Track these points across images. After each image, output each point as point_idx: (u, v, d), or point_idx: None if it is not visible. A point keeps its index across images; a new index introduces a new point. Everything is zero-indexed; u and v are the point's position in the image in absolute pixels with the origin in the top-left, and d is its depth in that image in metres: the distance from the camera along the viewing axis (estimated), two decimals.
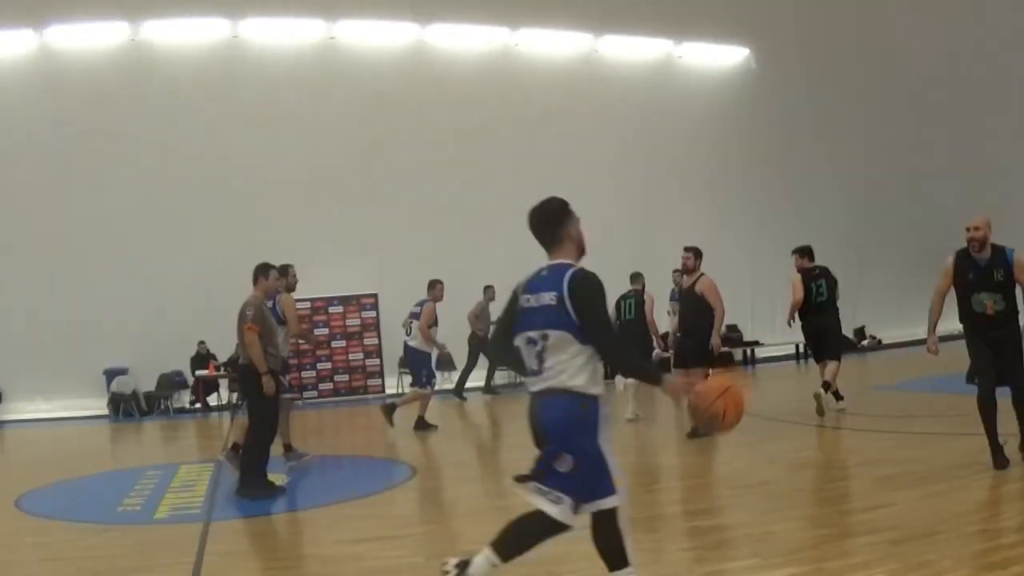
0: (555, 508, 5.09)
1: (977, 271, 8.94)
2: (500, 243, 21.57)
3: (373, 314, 23.17)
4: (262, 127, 22.40)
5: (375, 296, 23.09)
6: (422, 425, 15.10)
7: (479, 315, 20.86)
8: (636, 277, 15.77)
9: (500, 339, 5.59)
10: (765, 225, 26.16)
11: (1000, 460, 8.79)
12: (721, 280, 23.69)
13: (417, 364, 15.56)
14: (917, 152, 28.49)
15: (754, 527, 7.59)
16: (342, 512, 9.41)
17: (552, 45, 25.88)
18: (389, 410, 15.17)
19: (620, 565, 5.28)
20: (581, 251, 5.49)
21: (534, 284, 5.36)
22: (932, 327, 9.58)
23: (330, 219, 22.74)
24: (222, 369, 21.03)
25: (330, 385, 22.90)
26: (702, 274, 13.23)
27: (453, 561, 5.27)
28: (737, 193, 26.71)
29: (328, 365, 23.09)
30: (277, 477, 10.67)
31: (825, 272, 14.26)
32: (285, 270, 12.03)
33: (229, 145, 22.12)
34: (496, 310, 21.33)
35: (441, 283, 15.61)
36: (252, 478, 10.15)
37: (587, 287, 5.18)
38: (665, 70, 27.30)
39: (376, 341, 23.11)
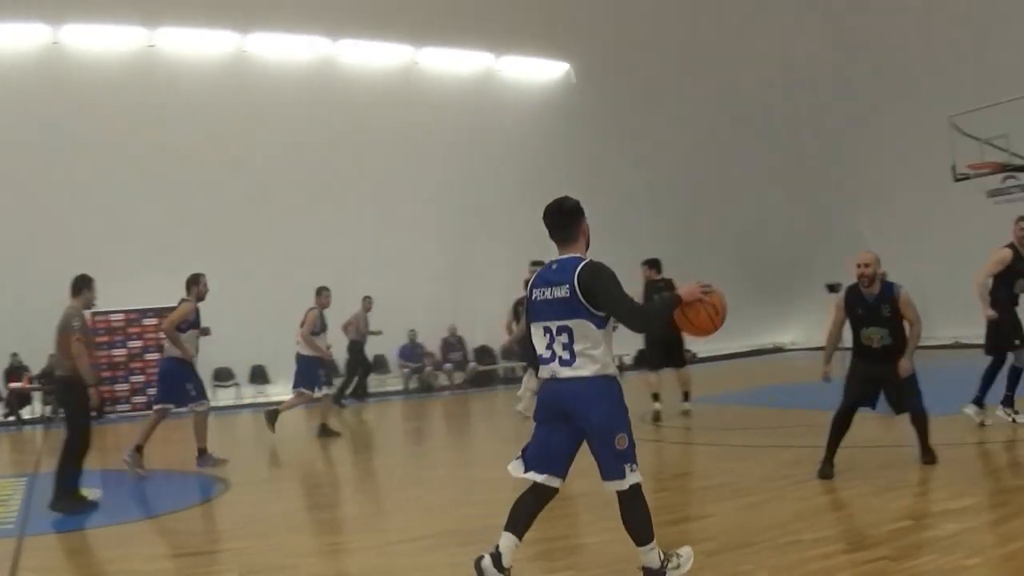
0: (637, 476, 5.84)
1: (865, 306, 9.36)
2: (327, 254, 22.18)
3: None
4: (79, 139, 21.83)
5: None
6: (325, 432, 15.33)
7: (356, 324, 21.32)
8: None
9: (522, 331, 6.13)
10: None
11: (826, 471, 9.14)
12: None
13: (305, 369, 15.60)
14: (738, 165, 29.28)
15: (570, 539, 7.56)
16: (157, 527, 9.11)
17: (372, 57, 25.81)
18: (272, 416, 15.28)
19: (647, 540, 5.94)
20: (587, 245, 6.02)
21: (546, 278, 5.87)
22: (827, 356, 9.90)
23: (139, 230, 22.38)
24: (36, 382, 20.40)
25: (143, 398, 22.13)
26: None
27: (484, 560, 5.80)
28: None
29: (141, 378, 22.56)
30: (89, 491, 10.17)
31: (669, 284, 14.59)
32: (196, 279, 12.71)
33: (39, 156, 21.55)
34: (372, 319, 21.84)
35: (328, 290, 15.90)
36: (64, 492, 9.75)
37: (597, 274, 5.68)
38: (486, 84, 27.31)
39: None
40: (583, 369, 5.70)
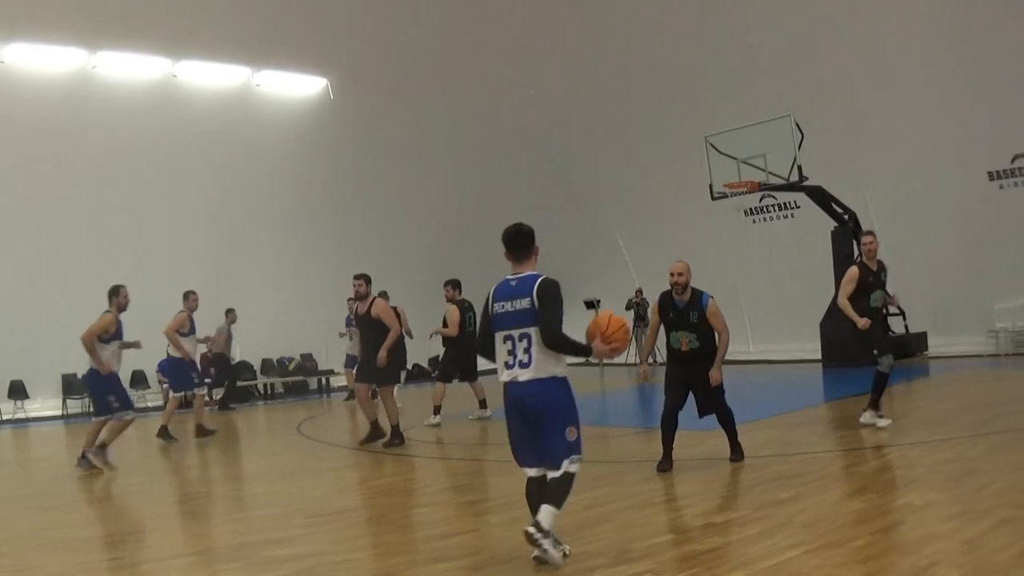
0: (575, 467, 6.68)
1: (676, 311, 10.03)
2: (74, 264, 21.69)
3: None
4: None
5: None
6: (164, 434, 15.53)
7: (223, 338, 21.82)
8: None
9: (483, 339, 6.93)
10: (345, 255, 26.24)
11: (664, 465, 9.88)
12: (298, 311, 23.68)
13: (176, 371, 16.35)
14: (502, 183, 29.48)
15: (333, 555, 7.28)
16: None
17: (132, 69, 24.65)
18: (163, 433, 15.50)
19: (556, 503, 6.57)
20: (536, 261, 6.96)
21: (505, 291, 6.77)
22: (644, 357, 10.90)
23: None
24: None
25: None
26: (375, 298, 13.81)
27: (533, 531, 6.39)
28: (318, 223, 26.83)
29: None
30: None
31: (472, 305, 15.64)
32: (117, 290, 13.02)
33: None
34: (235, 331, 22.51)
35: (195, 294, 16.49)
36: None
37: (549, 290, 6.65)
38: (243, 98, 26.68)
39: None
40: (540, 372, 6.59)
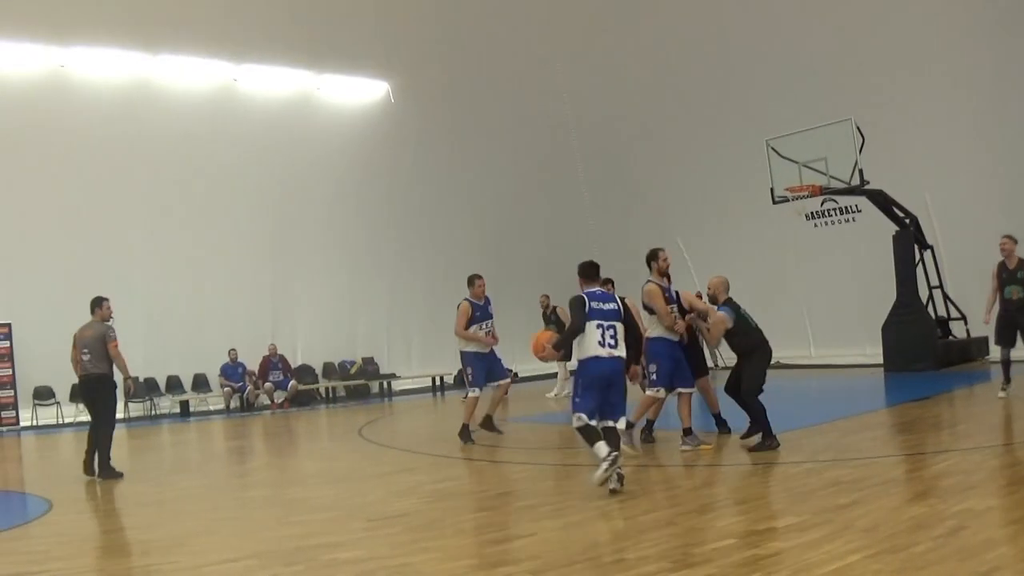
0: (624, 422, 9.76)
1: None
2: (136, 270, 21.67)
3: (7, 344, 22.11)
4: None
5: (8, 326, 22.05)
6: None
7: None
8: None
9: (578, 330, 9.44)
10: (406, 258, 26.41)
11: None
12: (359, 314, 23.84)
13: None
14: (558, 190, 29.53)
15: (392, 559, 7.31)
16: None
17: (192, 74, 25.03)
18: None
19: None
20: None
21: (600, 296, 9.67)
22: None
23: None
24: None
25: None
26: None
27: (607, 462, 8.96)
28: (379, 227, 26.96)
29: None
30: None
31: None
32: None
33: None
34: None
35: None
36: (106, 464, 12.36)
37: (627, 304, 10.09)
38: (305, 102, 26.93)
39: (9, 371, 22.10)
40: (618, 351, 9.44)
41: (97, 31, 22.75)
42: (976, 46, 21.71)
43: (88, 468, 12.71)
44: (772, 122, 22.86)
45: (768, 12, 24.69)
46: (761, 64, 25.20)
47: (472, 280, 14.62)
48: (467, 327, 14.17)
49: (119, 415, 22.36)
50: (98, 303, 13.47)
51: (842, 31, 23.47)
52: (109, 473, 12.64)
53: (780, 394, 16.31)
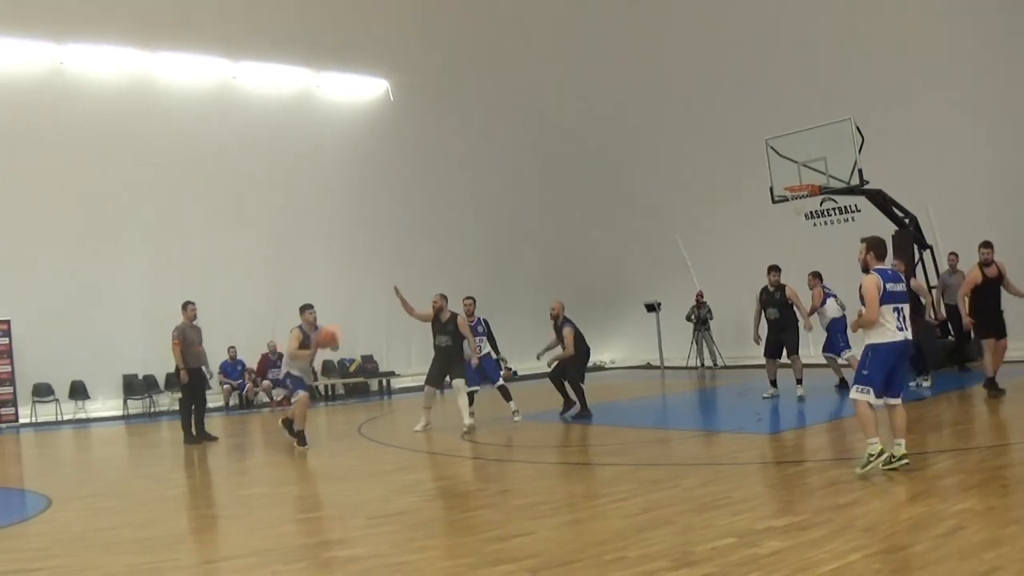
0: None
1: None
2: (134, 267, 22.07)
3: (6, 341, 22.11)
4: None
5: (7, 322, 22.03)
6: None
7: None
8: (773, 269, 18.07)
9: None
10: (405, 256, 26.38)
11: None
12: (358, 312, 23.75)
13: None
14: (557, 189, 29.51)
15: (392, 557, 7.29)
16: None
17: (191, 71, 25.07)
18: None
19: None
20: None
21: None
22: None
23: None
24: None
25: None
26: None
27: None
28: (378, 225, 26.97)
29: None
30: None
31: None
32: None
33: None
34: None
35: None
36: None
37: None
38: (304, 100, 26.92)
39: (9, 368, 22.09)
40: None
41: (97, 28, 22.79)
42: (976, 46, 21.71)
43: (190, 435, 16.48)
44: (772, 122, 22.82)
45: (768, 12, 24.69)
46: (761, 64, 25.21)
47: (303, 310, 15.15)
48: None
49: (119, 412, 22.75)
50: (183, 306, 16.26)
51: (842, 31, 23.48)
52: (208, 436, 16.54)
53: (780, 394, 16.37)
